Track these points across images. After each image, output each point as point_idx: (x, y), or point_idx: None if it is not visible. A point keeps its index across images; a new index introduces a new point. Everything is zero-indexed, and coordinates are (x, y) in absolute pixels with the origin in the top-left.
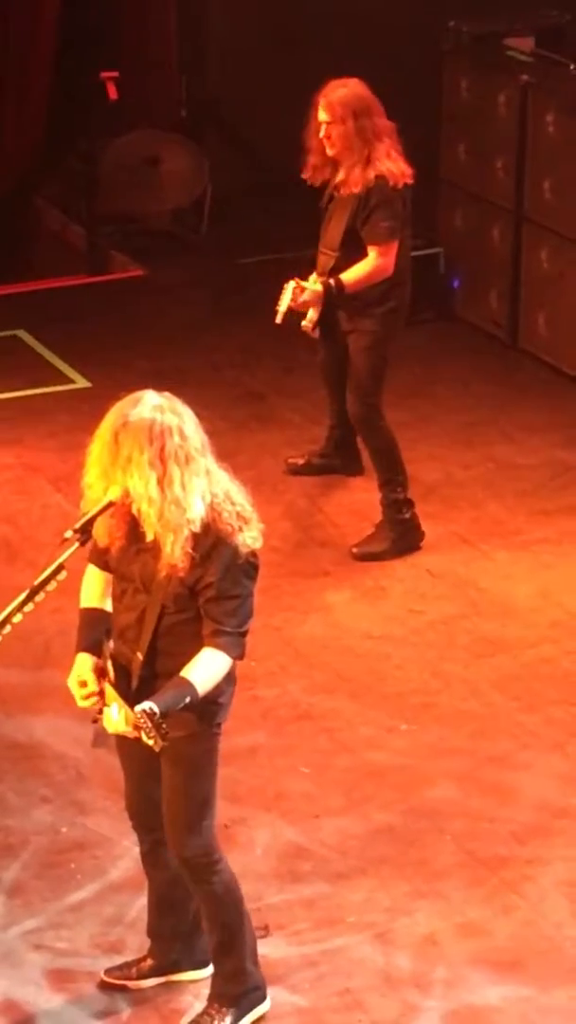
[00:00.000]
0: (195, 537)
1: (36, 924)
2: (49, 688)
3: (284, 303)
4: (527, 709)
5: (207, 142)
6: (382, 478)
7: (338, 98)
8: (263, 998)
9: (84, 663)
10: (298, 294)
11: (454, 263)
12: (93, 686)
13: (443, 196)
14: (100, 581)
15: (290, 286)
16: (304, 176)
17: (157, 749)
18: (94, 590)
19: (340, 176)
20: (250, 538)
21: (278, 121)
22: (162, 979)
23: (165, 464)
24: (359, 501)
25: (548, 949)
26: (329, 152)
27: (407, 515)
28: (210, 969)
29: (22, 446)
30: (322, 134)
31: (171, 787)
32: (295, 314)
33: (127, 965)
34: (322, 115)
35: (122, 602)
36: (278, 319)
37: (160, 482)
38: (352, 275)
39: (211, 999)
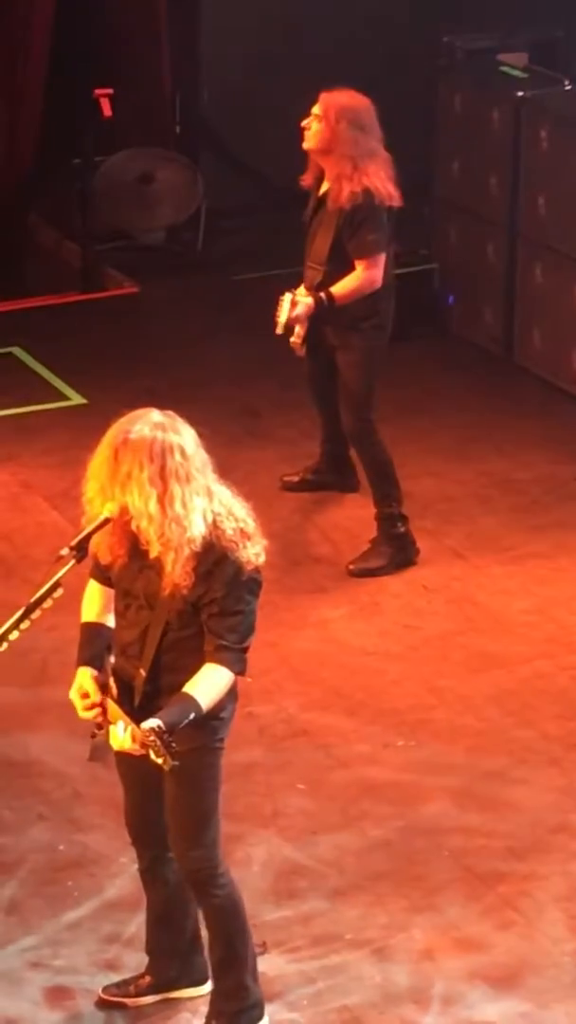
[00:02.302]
0: (197, 555)
1: (34, 942)
2: (46, 706)
3: (283, 314)
4: (523, 724)
5: (201, 159)
6: (377, 493)
7: (335, 99)
8: (261, 1015)
9: (85, 675)
10: (295, 305)
11: (449, 279)
12: (95, 696)
13: (437, 212)
14: (101, 596)
15: (287, 297)
16: (303, 181)
17: (167, 768)
18: (95, 605)
19: (324, 187)
20: (253, 554)
21: (272, 137)
22: (160, 996)
23: (166, 482)
24: (354, 517)
25: (546, 964)
26: (305, 145)
27: (402, 530)
28: (208, 986)
29: (18, 463)
30: (304, 123)
31: (175, 802)
32: (288, 327)
33: (125, 983)
34: (315, 108)
35: (125, 618)
36: (279, 330)
37: (161, 500)
38: (342, 288)
39: (210, 1016)
